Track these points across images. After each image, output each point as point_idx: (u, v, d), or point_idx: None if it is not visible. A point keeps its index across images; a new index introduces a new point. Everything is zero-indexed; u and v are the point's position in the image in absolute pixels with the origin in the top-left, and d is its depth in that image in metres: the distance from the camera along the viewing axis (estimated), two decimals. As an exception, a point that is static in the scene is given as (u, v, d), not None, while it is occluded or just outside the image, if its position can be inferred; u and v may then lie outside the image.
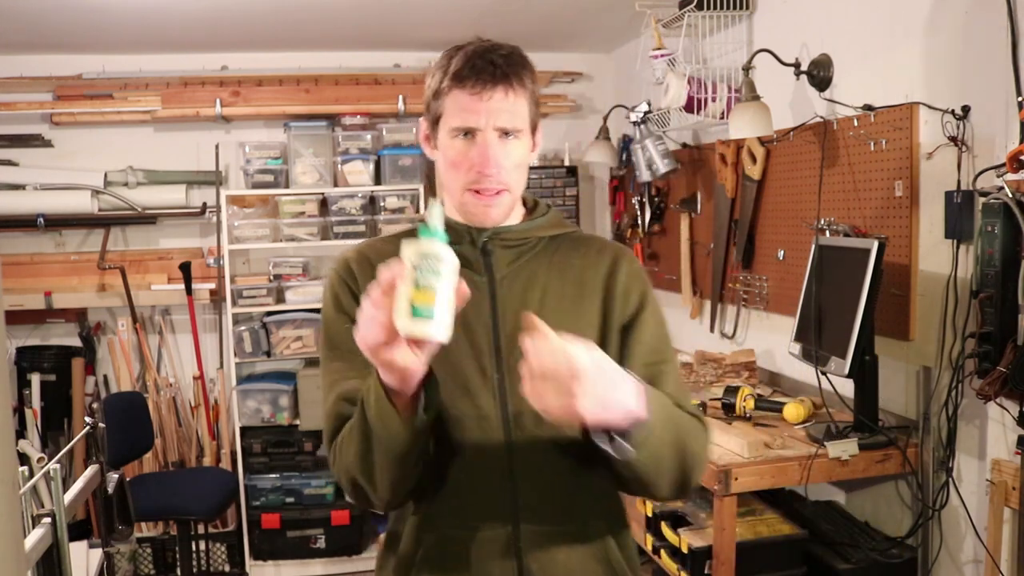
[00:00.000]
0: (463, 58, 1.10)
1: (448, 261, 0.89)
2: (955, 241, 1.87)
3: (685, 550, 2.07)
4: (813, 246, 2.18)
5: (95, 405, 2.44)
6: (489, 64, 1.08)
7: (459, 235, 1.16)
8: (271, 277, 3.67)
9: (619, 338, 1.16)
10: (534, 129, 1.17)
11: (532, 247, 1.19)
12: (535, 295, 1.15)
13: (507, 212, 1.17)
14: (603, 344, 1.14)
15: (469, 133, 1.10)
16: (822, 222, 2.30)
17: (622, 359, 1.14)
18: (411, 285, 0.87)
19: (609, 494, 1.18)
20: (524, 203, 1.24)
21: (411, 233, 1.21)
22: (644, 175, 3.17)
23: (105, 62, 3.63)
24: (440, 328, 0.88)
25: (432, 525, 1.14)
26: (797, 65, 2.37)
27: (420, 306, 0.86)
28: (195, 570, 3.36)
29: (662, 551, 2.21)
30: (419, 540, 1.14)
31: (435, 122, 1.15)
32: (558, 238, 1.22)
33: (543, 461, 1.12)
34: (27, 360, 3.60)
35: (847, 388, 2.09)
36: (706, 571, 2.02)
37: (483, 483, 1.12)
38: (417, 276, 0.87)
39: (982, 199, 1.75)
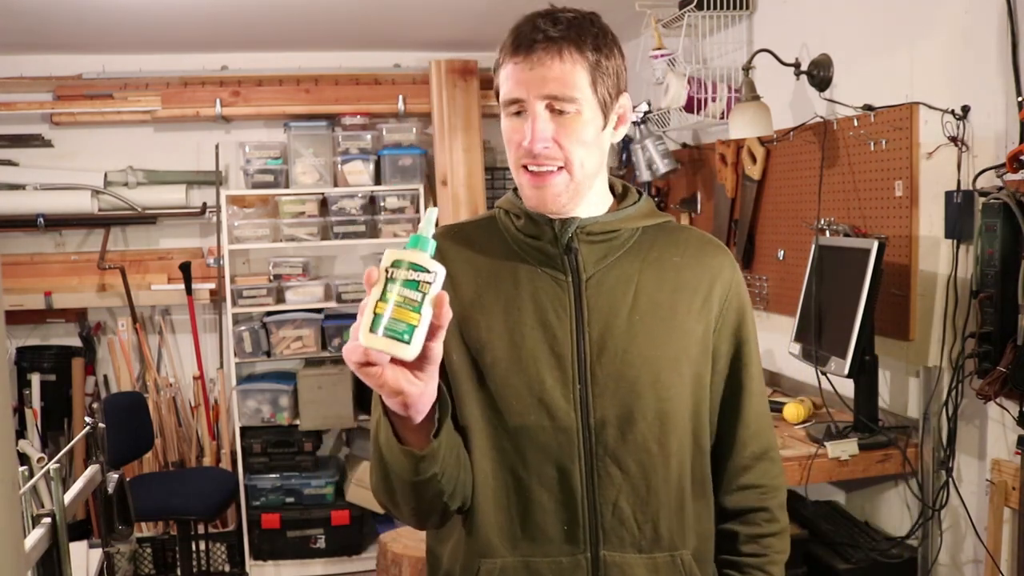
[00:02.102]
0: (513, 28, 1.01)
1: (430, 273, 0.80)
2: (955, 241, 1.87)
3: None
4: (813, 246, 2.18)
5: (95, 405, 2.45)
6: (536, 31, 0.98)
7: (539, 228, 1.04)
8: (271, 277, 3.67)
9: (712, 352, 1.07)
10: (606, 104, 1.02)
11: (623, 241, 1.06)
12: (626, 299, 1.03)
13: (569, 197, 1.02)
14: (696, 359, 1.05)
15: (522, 111, 1.00)
16: (822, 222, 2.30)
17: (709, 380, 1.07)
18: (378, 295, 0.80)
19: (701, 517, 1.07)
20: (612, 190, 1.11)
21: (492, 218, 1.11)
22: (644, 175, 3.16)
23: (105, 62, 3.63)
24: (403, 348, 0.80)
25: (491, 550, 1.01)
26: (797, 65, 2.37)
27: (384, 319, 0.79)
28: (195, 570, 3.36)
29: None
30: (472, 569, 1.01)
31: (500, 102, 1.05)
32: (652, 229, 1.08)
33: (628, 482, 1.00)
34: (27, 360, 3.61)
35: (847, 388, 2.09)
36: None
37: (557, 504, 0.99)
38: (387, 287, 0.80)
39: (982, 199, 1.75)
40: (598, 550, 1.00)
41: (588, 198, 1.05)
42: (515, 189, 1.11)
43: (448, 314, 0.81)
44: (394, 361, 0.81)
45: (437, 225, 0.89)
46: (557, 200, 1.02)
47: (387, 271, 0.80)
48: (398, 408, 0.87)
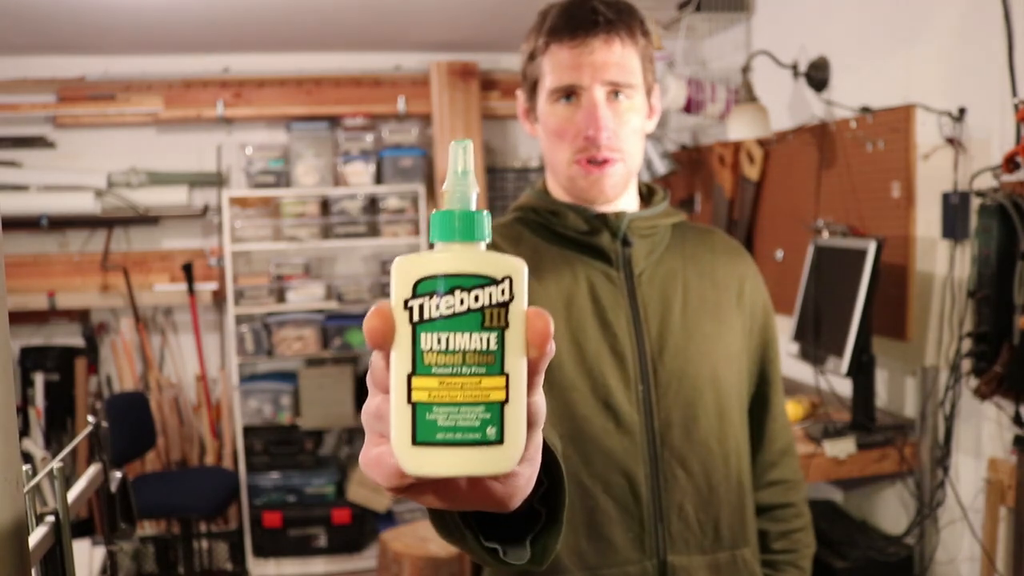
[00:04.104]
0: (559, 10, 0.95)
1: (497, 283, 0.41)
2: (952, 242, 1.88)
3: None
4: (811, 247, 2.19)
5: (98, 405, 2.47)
6: (590, 12, 0.93)
7: (590, 222, 0.98)
8: (272, 277, 3.69)
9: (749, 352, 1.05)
10: (649, 93, 0.99)
11: (662, 237, 1.02)
12: (676, 294, 0.99)
13: (622, 188, 0.99)
14: (740, 354, 1.02)
15: (572, 94, 0.94)
16: (820, 223, 2.31)
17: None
18: (407, 366, 0.41)
19: (753, 516, 1.05)
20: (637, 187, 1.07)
21: (517, 220, 1.02)
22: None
23: (108, 64, 3.65)
24: (489, 457, 0.41)
25: (560, 570, 0.93)
26: (795, 67, 2.38)
27: (435, 414, 0.40)
28: (197, 568, 3.38)
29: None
30: None
31: (533, 90, 0.99)
32: (680, 227, 1.06)
33: (692, 483, 0.96)
34: (31, 360, 3.62)
35: (845, 388, 2.10)
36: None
37: (623, 511, 0.94)
38: (417, 341, 0.41)
39: (978, 200, 1.76)
40: (665, 556, 0.95)
41: (630, 192, 1.02)
42: (534, 187, 1.06)
43: (553, 347, 0.42)
44: None
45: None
46: (614, 190, 0.97)
47: (408, 307, 0.41)
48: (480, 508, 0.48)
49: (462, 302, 0.40)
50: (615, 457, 0.94)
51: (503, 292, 0.41)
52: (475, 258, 0.41)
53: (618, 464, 0.94)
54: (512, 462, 0.41)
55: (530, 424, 0.42)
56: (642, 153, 1.00)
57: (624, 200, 1.01)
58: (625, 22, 0.94)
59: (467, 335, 0.40)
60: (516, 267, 0.41)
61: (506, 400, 0.41)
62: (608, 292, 0.97)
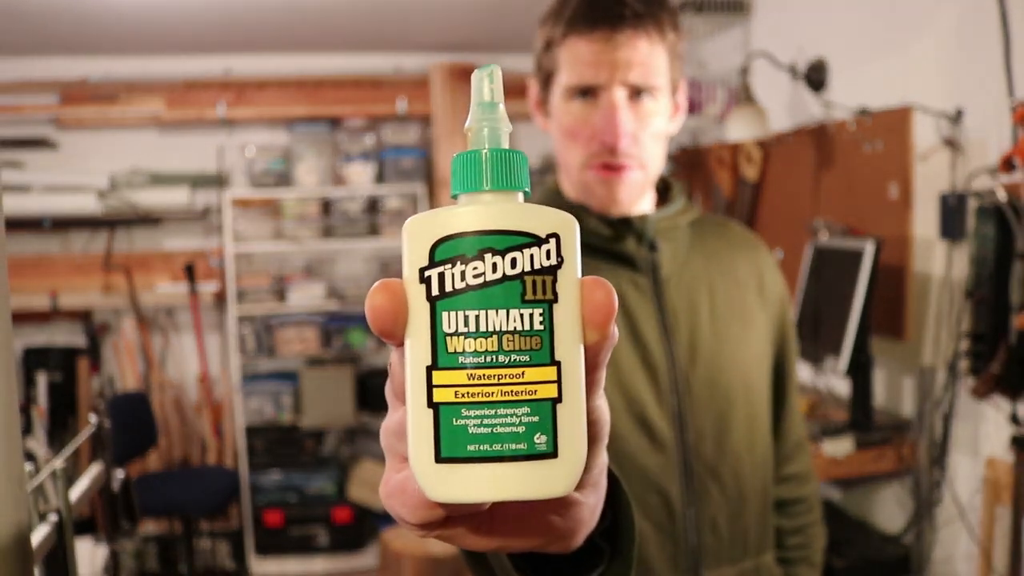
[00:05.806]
0: None
1: (540, 242, 0.32)
2: (949, 242, 1.89)
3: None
4: (809, 247, 2.20)
5: (100, 404, 2.47)
6: (616, 3, 0.83)
7: (614, 227, 0.91)
8: (273, 278, 3.70)
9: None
10: (675, 89, 0.91)
11: (683, 236, 0.96)
12: (703, 298, 0.93)
13: (639, 196, 0.91)
14: (767, 353, 0.97)
15: (590, 92, 0.85)
16: (818, 223, 2.31)
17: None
18: (426, 357, 0.32)
19: (773, 517, 1.01)
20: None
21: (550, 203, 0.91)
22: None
23: (110, 65, 3.66)
24: (538, 475, 0.32)
25: None
26: (793, 68, 2.39)
27: (464, 419, 0.31)
28: (199, 567, 3.39)
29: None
30: None
31: (546, 82, 0.90)
32: (697, 223, 0.99)
33: (724, 495, 0.92)
34: (33, 359, 3.64)
35: (843, 387, 2.11)
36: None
37: (659, 531, 0.89)
38: (438, 325, 0.32)
39: (975, 201, 1.77)
40: (699, 571, 0.91)
41: (647, 195, 0.95)
42: (546, 187, 1.00)
43: (616, 330, 0.34)
44: None
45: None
46: (631, 198, 0.90)
47: (425, 279, 0.32)
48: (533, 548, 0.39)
49: (495, 268, 0.31)
50: (651, 476, 0.89)
51: (548, 254, 0.32)
52: (510, 211, 0.32)
53: (654, 483, 0.89)
54: (570, 480, 0.32)
55: (593, 438, 0.33)
56: (663, 157, 0.92)
57: (642, 202, 0.96)
58: (654, 15, 0.85)
59: (503, 312, 0.31)
60: (564, 222, 0.32)
61: (559, 398, 0.31)
62: (637, 301, 0.91)
